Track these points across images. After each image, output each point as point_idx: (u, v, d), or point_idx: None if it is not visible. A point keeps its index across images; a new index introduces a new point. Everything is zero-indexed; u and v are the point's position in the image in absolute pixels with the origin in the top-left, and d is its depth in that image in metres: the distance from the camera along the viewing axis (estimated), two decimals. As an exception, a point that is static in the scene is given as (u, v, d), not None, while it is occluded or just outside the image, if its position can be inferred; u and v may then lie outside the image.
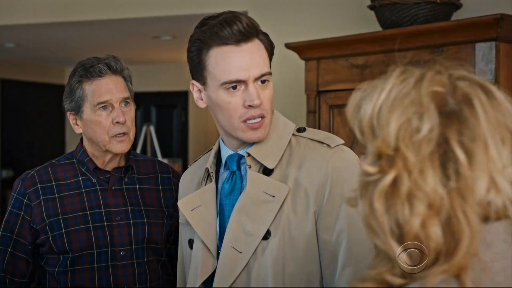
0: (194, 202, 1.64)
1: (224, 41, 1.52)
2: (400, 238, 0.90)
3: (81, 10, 4.36)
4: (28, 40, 5.68)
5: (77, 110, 2.04)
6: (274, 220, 1.53)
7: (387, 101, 0.95)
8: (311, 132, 1.62)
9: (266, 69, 1.56)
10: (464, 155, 0.89)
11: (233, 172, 1.62)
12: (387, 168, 0.92)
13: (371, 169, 0.94)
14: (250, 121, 1.55)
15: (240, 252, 1.54)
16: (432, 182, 0.88)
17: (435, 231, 0.88)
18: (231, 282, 1.53)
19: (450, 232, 0.88)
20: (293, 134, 1.61)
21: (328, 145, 1.56)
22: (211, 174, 1.65)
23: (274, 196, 1.53)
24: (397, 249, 0.90)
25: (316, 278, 1.54)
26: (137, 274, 2.03)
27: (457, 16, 2.69)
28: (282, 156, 1.58)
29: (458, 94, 0.93)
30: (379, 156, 0.94)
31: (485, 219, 0.92)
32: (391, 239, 0.91)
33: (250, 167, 1.58)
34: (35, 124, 7.59)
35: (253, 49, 1.54)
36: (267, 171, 1.57)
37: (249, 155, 1.58)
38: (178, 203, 1.67)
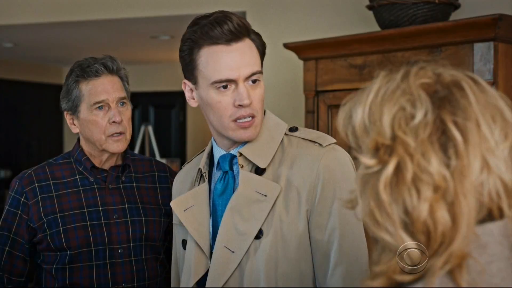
0: (187, 202, 1.64)
1: (214, 41, 1.53)
2: (409, 227, 0.90)
3: (79, 10, 4.36)
4: (26, 40, 5.68)
5: (74, 110, 2.05)
6: (266, 219, 1.53)
7: (376, 100, 0.96)
8: (303, 132, 1.62)
9: (256, 69, 1.56)
10: (460, 134, 0.90)
11: (225, 172, 1.63)
12: (387, 157, 0.92)
13: (370, 161, 0.94)
14: (240, 120, 1.55)
15: (233, 252, 1.54)
16: (436, 164, 0.89)
17: (443, 215, 0.88)
18: (223, 282, 1.53)
19: (451, 215, 0.89)
20: (285, 134, 1.62)
21: (320, 144, 1.56)
22: (204, 175, 1.66)
23: (266, 196, 1.53)
24: (407, 240, 0.90)
25: (308, 277, 1.54)
26: (135, 271, 2.04)
27: (455, 16, 2.70)
28: (274, 155, 1.58)
29: (445, 81, 0.95)
30: (376, 148, 0.94)
31: (481, 220, 0.91)
32: (401, 230, 0.90)
33: (242, 166, 1.58)
34: (33, 124, 7.59)
35: (244, 49, 1.54)
36: (259, 171, 1.57)
37: (241, 154, 1.59)
38: (171, 204, 1.67)
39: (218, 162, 1.65)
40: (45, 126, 7.69)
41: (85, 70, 2.03)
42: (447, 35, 2.35)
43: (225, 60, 1.52)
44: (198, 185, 1.67)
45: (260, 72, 1.58)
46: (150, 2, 4.16)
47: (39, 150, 7.61)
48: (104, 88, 2.02)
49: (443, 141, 0.90)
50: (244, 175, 1.57)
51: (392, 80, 0.97)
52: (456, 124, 0.91)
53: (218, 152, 1.65)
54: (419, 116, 0.91)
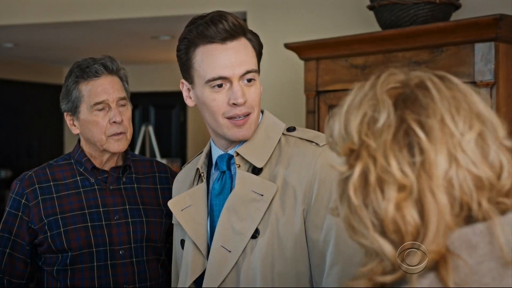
0: (184, 202, 1.65)
1: (209, 40, 1.53)
2: (382, 229, 0.92)
3: (79, 11, 4.36)
4: (26, 40, 5.68)
5: (74, 111, 2.05)
6: (262, 219, 1.53)
7: (347, 110, 0.99)
8: (300, 131, 1.62)
9: (251, 67, 1.56)
10: (423, 131, 0.92)
11: (223, 172, 1.63)
12: (354, 162, 0.95)
13: (342, 168, 0.98)
14: (235, 119, 1.55)
15: (229, 251, 1.54)
16: (396, 164, 0.91)
17: (410, 213, 0.90)
18: (220, 282, 1.53)
19: (421, 212, 0.90)
20: (283, 134, 1.62)
21: (317, 144, 1.56)
22: (202, 174, 1.66)
23: (262, 195, 1.53)
24: (382, 241, 0.92)
25: (305, 277, 1.53)
26: (137, 272, 2.04)
27: (456, 16, 2.69)
28: (271, 155, 1.58)
29: (411, 84, 0.97)
30: (348, 155, 0.97)
31: (468, 220, 0.92)
32: (374, 233, 0.93)
33: (239, 166, 1.59)
34: (34, 124, 7.59)
35: (239, 48, 1.55)
36: (256, 170, 1.57)
37: (238, 154, 1.59)
38: (168, 203, 1.68)
39: (216, 162, 1.65)
40: (46, 126, 7.69)
41: (85, 70, 2.03)
42: (448, 35, 2.35)
43: (219, 58, 1.53)
44: (197, 185, 1.67)
45: (256, 71, 1.58)
46: (151, 3, 4.16)
47: (40, 150, 7.61)
48: (104, 89, 2.02)
49: (408, 140, 0.92)
50: (241, 175, 1.57)
51: (362, 89, 1.00)
52: (419, 122, 0.92)
53: (216, 152, 1.65)
54: (381, 119, 0.94)
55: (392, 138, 0.93)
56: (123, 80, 2.08)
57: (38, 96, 7.58)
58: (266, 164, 1.57)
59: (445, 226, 0.90)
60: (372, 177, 0.93)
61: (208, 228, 1.62)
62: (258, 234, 1.53)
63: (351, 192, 0.95)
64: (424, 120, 0.92)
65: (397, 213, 0.90)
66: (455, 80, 0.99)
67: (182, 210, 1.64)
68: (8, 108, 7.31)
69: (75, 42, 5.70)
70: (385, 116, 0.94)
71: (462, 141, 0.92)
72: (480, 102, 0.97)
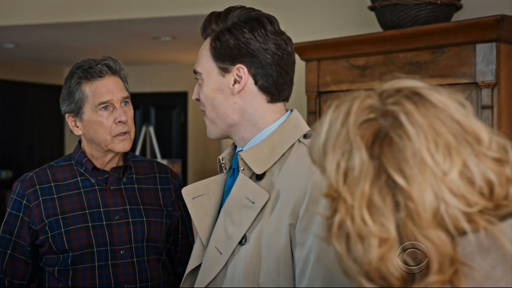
0: (198, 190, 1.64)
1: None
2: (367, 276, 0.91)
3: (80, 11, 4.36)
4: (27, 41, 5.68)
5: (77, 112, 2.04)
6: (251, 226, 1.49)
7: (326, 142, 0.97)
8: None
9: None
10: (403, 179, 0.89)
11: (234, 169, 1.62)
12: (335, 211, 0.93)
13: (325, 212, 0.96)
14: None
15: (221, 253, 1.53)
16: (372, 222, 0.89)
17: (393, 264, 0.88)
18: (207, 282, 1.52)
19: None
20: (298, 140, 1.56)
21: None
22: (223, 165, 1.65)
23: (254, 202, 1.50)
24: (369, 286, 0.91)
25: None
26: (138, 272, 2.04)
27: (457, 17, 2.69)
28: (277, 161, 1.54)
29: (387, 114, 0.94)
30: (330, 199, 0.95)
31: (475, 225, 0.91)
32: (361, 277, 0.91)
33: (243, 169, 1.56)
34: (34, 125, 7.59)
35: None
36: (259, 176, 1.54)
37: (241, 158, 1.56)
38: (182, 190, 1.66)
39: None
40: (46, 127, 7.69)
41: (88, 71, 2.02)
42: (449, 36, 2.35)
43: None
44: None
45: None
46: (152, 3, 4.15)
47: (40, 151, 7.61)
48: (109, 89, 2.02)
49: (389, 186, 0.90)
50: (240, 179, 1.55)
51: (337, 119, 0.97)
52: (398, 169, 0.89)
53: (238, 148, 1.64)
54: (357, 167, 0.91)
55: (370, 187, 0.90)
56: (124, 80, 2.09)
57: (39, 97, 7.59)
58: (269, 170, 1.53)
59: (449, 259, 0.88)
60: (352, 232, 0.91)
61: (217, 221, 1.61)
62: (245, 241, 1.50)
63: (334, 240, 0.93)
64: (403, 166, 0.89)
65: (381, 263, 0.89)
66: (430, 95, 0.95)
67: (193, 198, 1.62)
68: (9, 108, 7.31)
69: (75, 43, 5.71)
70: (360, 163, 0.91)
71: (446, 180, 0.90)
72: (458, 112, 0.94)
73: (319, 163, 0.98)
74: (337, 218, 0.92)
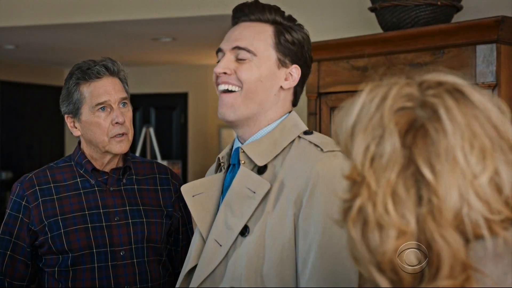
0: (197, 188, 1.65)
1: None
2: (379, 266, 0.89)
3: (80, 12, 4.36)
4: (27, 42, 5.68)
5: (75, 113, 2.05)
6: (253, 217, 1.51)
7: (357, 123, 0.94)
8: (315, 136, 1.58)
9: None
10: (431, 174, 0.87)
11: (234, 165, 1.63)
12: (355, 196, 0.91)
13: (345, 195, 0.93)
14: None
15: (220, 246, 1.53)
16: (394, 212, 0.86)
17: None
18: (206, 275, 1.53)
19: (430, 255, 0.86)
20: (298, 136, 1.59)
21: (321, 149, 1.52)
22: (222, 164, 1.67)
23: (255, 192, 1.51)
24: (379, 277, 0.89)
25: (291, 281, 1.49)
26: (138, 273, 2.04)
27: (457, 18, 2.69)
28: (278, 155, 1.56)
29: (426, 106, 0.91)
30: (351, 182, 0.93)
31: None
32: (372, 267, 0.89)
33: (244, 163, 1.58)
34: (35, 126, 7.58)
35: None
36: (261, 169, 1.56)
37: (243, 151, 1.58)
38: (181, 188, 1.67)
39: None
40: (46, 128, 7.69)
41: (86, 72, 2.03)
42: (449, 37, 2.35)
43: None
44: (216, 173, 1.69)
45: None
46: (152, 4, 4.16)
47: (40, 152, 7.61)
48: (106, 90, 2.02)
49: (415, 179, 0.88)
50: (241, 171, 1.57)
51: (372, 102, 0.94)
52: (428, 163, 0.87)
53: (236, 144, 1.65)
54: (386, 154, 0.88)
55: (396, 177, 0.88)
56: (123, 81, 2.09)
57: (39, 98, 7.58)
58: (271, 163, 1.55)
59: (461, 264, 0.86)
60: (371, 219, 0.88)
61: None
62: (248, 232, 1.51)
63: (350, 225, 0.91)
64: (434, 161, 0.87)
65: (396, 256, 0.87)
66: (472, 95, 0.92)
67: (193, 196, 1.63)
68: (9, 109, 7.31)
69: (76, 44, 5.71)
70: (391, 150, 0.88)
71: (475, 183, 0.87)
72: (497, 116, 0.91)
73: (344, 143, 0.95)
74: (357, 202, 0.90)
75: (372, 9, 2.74)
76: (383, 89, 0.94)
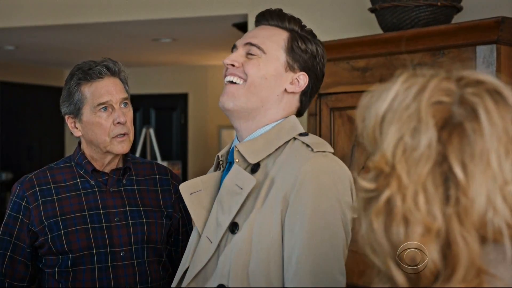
0: (195, 186, 1.66)
1: None
2: (398, 261, 0.87)
3: (81, 13, 4.36)
4: (27, 42, 5.68)
5: (76, 113, 2.05)
6: (242, 213, 1.53)
7: (388, 112, 0.91)
8: (309, 137, 1.61)
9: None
10: (463, 174, 0.85)
11: (231, 163, 1.65)
12: (384, 186, 0.89)
13: (370, 185, 0.91)
14: None
15: (211, 242, 1.56)
16: (425, 206, 0.85)
17: (432, 256, 0.85)
18: (197, 271, 1.55)
19: (448, 255, 0.85)
20: (293, 137, 1.61)
21: (312, 149, 1.54)
22: (221, 163, 1.69)
23: (242, 188, 1.54)
24: (396, 271, 0.87)
25: (277, 278, 1.50)
26: (138, 274, 2.04)
27: (457, 19, 2.69)
28: (270, 155, 1.58)
29: (464, 103, 0.88)
30: (379, 171, 0.90)
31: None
32: (390, 260, 0.88)
33: (237, 161, 1.60)
34: (35, 127, 7.59)
35: None
36: (254, 168, 1.58)
37: (238, 149, 1.61)
38: (180, 186, 1.69)
39: None
40: (46, 128, 7.69)
41: (87, 72, 2.03)
42: (449, 37, 2.35)
43: None
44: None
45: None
46: (152, 5, 4.16)
47: (40, 152, 7.61)
48: (108, 90, 2.02)
49: (446, 177, 0.85)
50: (233, 169, 1.59)
51: (409, 91, 0.90)
52: (461, 163, 0.85)
53: (235, 143, 1.67)
54: (420, 149, 0.86)
55: (427, 173, 0.86)
56: (124, 82, 2.09)
57: (39, 98, 7.58)
58: (263, 162, 1.58)
59: (476, 270, 0.85)
60: (398, 211, 0.86)
61: None
62: (237, 229, 1.53)
63: (373, 215, 0.89)
64: (467, 161, 0.85)
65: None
66: (511, 98, 0.89)
67: (191, 194, 1.65)
68: (9, 110, 7.31)
69: (76, 45, 5.71)
70: (425, 146, 0.86)
71: (504, 188, 0.85)
72: None
73: (372, 129, 0.92)
74: (385, 194, 0.87)
75: (372, 10, 2.74)
76: (422, 80, 0.91)
